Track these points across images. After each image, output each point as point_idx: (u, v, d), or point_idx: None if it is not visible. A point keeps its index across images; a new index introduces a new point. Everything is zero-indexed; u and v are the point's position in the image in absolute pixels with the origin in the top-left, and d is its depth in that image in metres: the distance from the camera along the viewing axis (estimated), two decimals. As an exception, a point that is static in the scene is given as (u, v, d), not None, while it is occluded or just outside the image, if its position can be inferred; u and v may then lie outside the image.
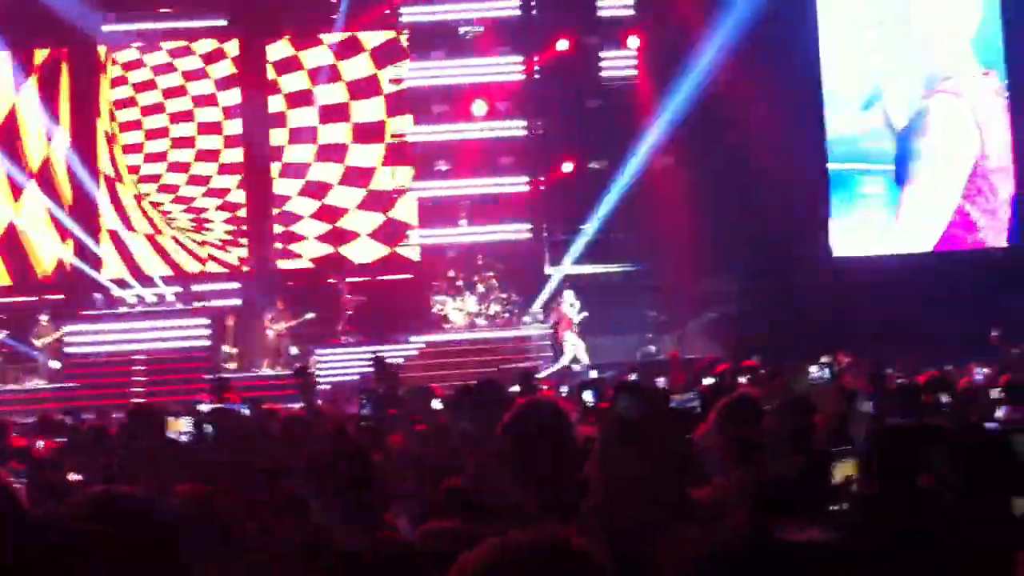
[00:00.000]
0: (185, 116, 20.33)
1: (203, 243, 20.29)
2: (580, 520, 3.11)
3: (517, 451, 3.23)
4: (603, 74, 19.85)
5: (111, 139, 20.07)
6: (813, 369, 4.51)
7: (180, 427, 6.47)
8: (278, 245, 20.24)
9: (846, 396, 5.37)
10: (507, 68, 19.79)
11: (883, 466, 3.21)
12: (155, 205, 20.20)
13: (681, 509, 3.32)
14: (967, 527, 3.01)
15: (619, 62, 19.83)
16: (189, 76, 20.31)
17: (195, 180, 20.30)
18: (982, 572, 2.93)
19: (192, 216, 20.26)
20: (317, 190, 20.22)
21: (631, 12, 19.71)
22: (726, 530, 2.88)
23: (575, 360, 17.88)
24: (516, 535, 1.92)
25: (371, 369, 12.46)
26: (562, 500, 3.14)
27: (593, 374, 16.25)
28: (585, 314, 18.04)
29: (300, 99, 20.19)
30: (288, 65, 20.28)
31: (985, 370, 10.18)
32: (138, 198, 20.14)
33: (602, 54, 19.80)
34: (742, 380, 7.93)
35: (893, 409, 5.85)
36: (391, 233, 20.16)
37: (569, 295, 18.16)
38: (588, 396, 7.62)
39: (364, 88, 20.22)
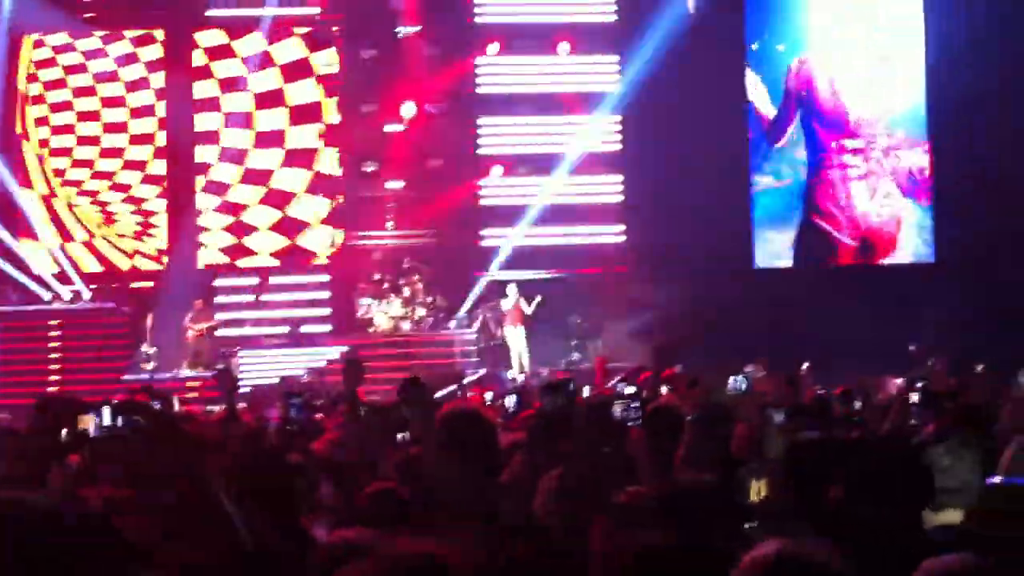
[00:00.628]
0: (117, 101, 19.88)
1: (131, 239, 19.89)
2: (509, 521, 3.14)
3: (441, 457, 3.24)
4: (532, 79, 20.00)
5: (42, 150, 19.63)
6: (730, 380, 4.56)
7: (89, 423, 6.25)
8: (204, 244, 19.90)
9: (761, 407, 5.45)
10: (440, 69, 19.76)
11: (796, 479, 3.26)
12: (92, 194, 19.71)
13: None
14: (877, 539, 3.08)
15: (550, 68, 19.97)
16: (119, 63, 19.91)
17: (130, 165, 19.86)
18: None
19: (133, 208, 19.81)
20: (233, 208, 19.91)
21: (562, 20, 19.86)
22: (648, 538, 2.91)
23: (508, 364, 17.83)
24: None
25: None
26: (486, 504, 3.15)
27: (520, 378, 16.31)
28: (539, 299, 17.88)
29: (233, 111, 19.91)
30: (216, 66, 19.99)
31: (898, 381, 10.40)
32: (70, 206, 19.66)
33: (532, 60, 19.90)
34: (664, 389, 8.02)
35: (807, 421, 5.94)
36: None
37: (512, 290, 18.09)
38: (510, 402, 7.62)
39: (303, 114, 20.00)
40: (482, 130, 19.90)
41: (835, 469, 3.36)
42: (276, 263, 19.49)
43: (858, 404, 7.80)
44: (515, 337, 17.85)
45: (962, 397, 7.12)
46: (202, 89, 19.84)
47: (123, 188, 19.82)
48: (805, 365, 14.01)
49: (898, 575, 2.94)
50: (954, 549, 2.98)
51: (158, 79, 19.86)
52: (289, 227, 19.70)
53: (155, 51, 19.94)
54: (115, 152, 19.81)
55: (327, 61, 19.89)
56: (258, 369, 17.53)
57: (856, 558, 3.07)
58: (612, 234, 19.43)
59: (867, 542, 3.10)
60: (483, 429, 3.29)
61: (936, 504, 3.20)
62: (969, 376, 10.24)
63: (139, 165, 19.84)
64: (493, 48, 19.65)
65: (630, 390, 6.03)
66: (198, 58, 19.85)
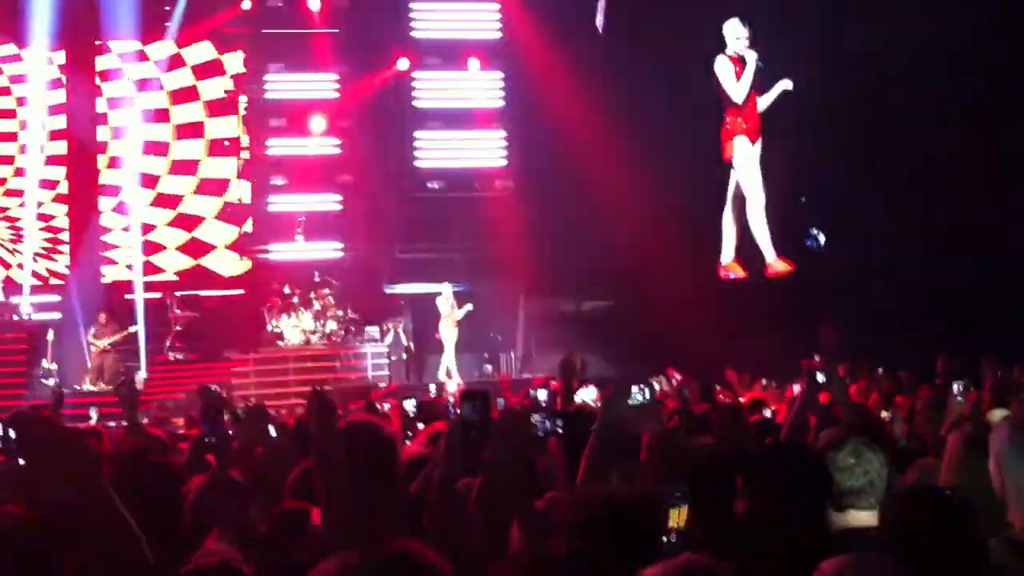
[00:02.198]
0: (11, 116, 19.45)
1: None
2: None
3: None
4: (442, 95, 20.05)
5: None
6: (634, 389, 4.58)
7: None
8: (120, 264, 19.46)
9: (664, 417, 5.50)
10: (347, 85, 19.70)
11: (698, 491, 3.30)
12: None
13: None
14: (781, 546, 3.13)
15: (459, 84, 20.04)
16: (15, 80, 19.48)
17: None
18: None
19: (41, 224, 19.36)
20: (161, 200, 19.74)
21: (471, 36, 19.96)
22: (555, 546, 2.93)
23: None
24: (369, 549, 1.93)
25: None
26: (385, 522, 3.14)
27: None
28: (469, 307, 17.79)
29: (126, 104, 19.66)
30: (117, 74, 19.69)
31: (796, 387, 10.54)
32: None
33: (441, 75, 19.96)
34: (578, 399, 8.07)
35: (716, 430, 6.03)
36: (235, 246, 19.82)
37: (447, 289, 17.88)
38: (409, 406, 7.60)
39: (214, 104, 19.85)
40: (394, 145, 19.90)
41: (734, 476, 3.41)
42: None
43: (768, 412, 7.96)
44: (449, 339, 17.80)
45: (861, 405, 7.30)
46: (104, 104, 19.59)
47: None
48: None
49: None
50: (856, 550, 3.06)
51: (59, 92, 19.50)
52: (196, 249, 19.62)
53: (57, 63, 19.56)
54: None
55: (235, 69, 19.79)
56: (164, 384, 17.17)
57: (760, 563, 3.12)
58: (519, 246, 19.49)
59: (770, 546, 3.16)
60: (383, 445, 3.28)
61: (842, 504, 3.26)
62: (866, 380, 10.52)
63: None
64: (403, 64, 19.64)
65: (543, 395, 6.04)
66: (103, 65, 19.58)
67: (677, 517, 3.21)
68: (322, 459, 3.27)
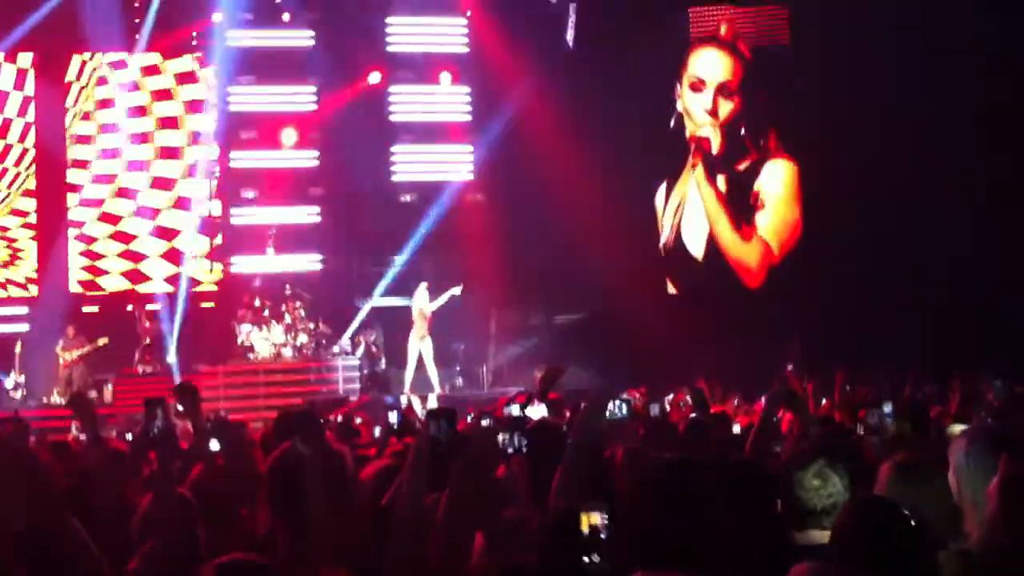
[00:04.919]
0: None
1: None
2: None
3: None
4: (415, 108, 20.06)
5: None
6: (611, 405, 4.58)
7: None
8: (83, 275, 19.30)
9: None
10: (317, 97, 19.64)
11: (647, 502, 3.29)
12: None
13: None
14: (738, 562, 3.15)
15: (431, 97, 20.04)
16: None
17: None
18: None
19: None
20: (114, 218, 19.59)
21: (442, 49, 19.99)
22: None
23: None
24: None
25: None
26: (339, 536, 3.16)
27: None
28: (456, 290, 17.38)
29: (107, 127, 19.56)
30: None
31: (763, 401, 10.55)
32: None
33: (414, 89, 19.96)
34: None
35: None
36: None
37: (422, 289, 17.41)
38: (392, 417, 7.60)
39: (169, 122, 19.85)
40: (366, 158, 19.88)
41: (694, 491, 3.40)
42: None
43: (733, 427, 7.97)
44: (426, 348, 17.35)
45: (830, 421, 7.35)
46: (76, 114, 19.50)
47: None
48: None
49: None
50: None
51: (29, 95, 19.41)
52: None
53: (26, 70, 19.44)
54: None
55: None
56: (134, 397, 17.02)
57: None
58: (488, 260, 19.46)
59: (725, 563, 3.17)
60: (332, 465, 3.29)
61: (804, 524, 3.27)
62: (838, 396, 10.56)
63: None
64: (375, 77, 19.63)
65: (515, 411, 6.02)
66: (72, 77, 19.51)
67: (588, 521, 3.15)
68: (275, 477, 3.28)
